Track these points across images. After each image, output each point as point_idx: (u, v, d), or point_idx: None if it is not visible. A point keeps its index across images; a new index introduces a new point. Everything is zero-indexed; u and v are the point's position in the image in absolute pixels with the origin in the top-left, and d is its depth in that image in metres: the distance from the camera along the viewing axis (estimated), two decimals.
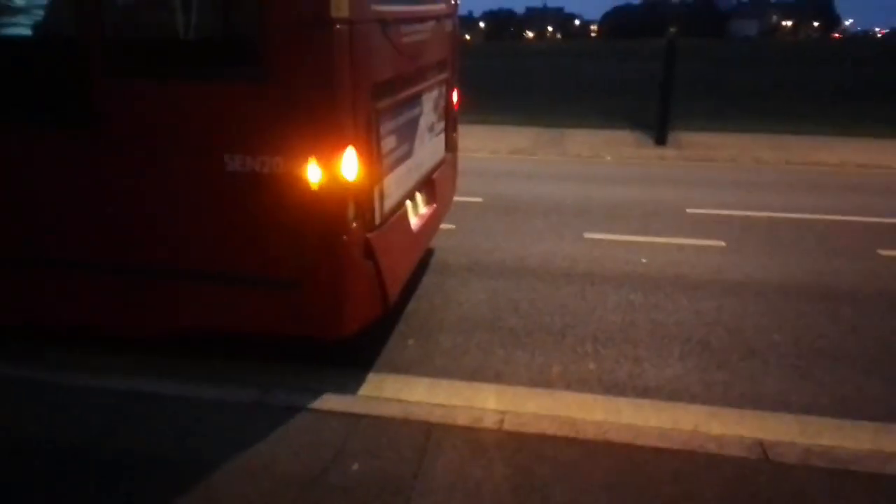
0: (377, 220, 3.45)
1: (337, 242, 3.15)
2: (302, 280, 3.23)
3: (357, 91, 3.08)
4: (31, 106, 3.30)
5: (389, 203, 3.65)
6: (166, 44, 3.21)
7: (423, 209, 4.48)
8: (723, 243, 5.99)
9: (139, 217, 3.31)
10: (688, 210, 7.02)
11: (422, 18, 4.17)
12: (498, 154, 10.24)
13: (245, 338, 3.58)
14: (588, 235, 6.18)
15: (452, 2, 4.98)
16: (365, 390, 3.56)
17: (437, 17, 4.55)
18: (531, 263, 5.49)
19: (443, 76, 4.74)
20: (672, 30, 10.86)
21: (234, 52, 3.09)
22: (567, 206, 7.20)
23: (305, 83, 2.95)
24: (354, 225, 3.20)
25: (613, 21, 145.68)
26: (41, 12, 3.46)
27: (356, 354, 3.82)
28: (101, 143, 3.21)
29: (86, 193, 3.33)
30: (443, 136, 4.92)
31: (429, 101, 4.41)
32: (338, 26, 2.89)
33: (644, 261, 5.54)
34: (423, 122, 4.30)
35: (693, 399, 3.55)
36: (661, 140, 10.86)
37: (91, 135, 3.20)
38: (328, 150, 3.01)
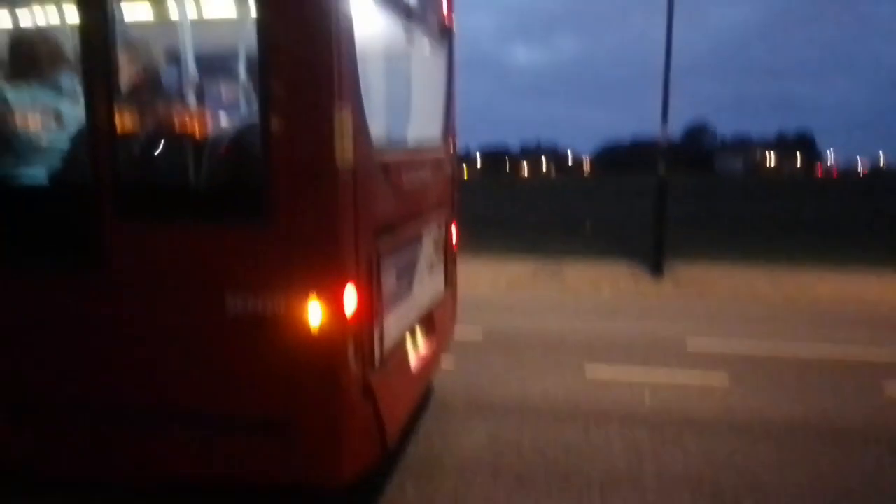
0: (377, 360, 3.42)
1: (335, 383, 3.10)
2: (298, 423, 3.15)
3: (359, 234, 3.15)
4: (44, 249, 3.36)
5: (389, 342, 3.63)
6: (175, 188, 3.32)
7: (423, 347, 4.46)
8: (726, 381, 5.90)
9: (139, 356, 3.28)
10: (689, 345, 6.99)
11: (422, 162, 4.34)
12: (497, 287, 10.33)
13: (234, 488, 3.43)
14: (590, 372, 6.10)
15: (451, 146, 5.23)
16: None
17: (437, 160, 4.75)
18: (533, 402, 5.38)
19: (442, 214, 4.88)
20: (661, 167, 11.26)
21: (241, 196, 3.19)
22: (567, 340, 7.17)
23: (309, 227, 3.02)
24: (354, 365, 3.16)
25: (604, 157, 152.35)
26: (56, 158, 3.61)
27: (351, 501, 3.65)
28: (109, 284, 3.24)
29: (89, 335, 3.32)
30: (442, 272, 4.98)
31: (429, 239, 4.51)
32: (342, 172, 2.99)
33: (647, 399, 5.44)
34: (423, 260, 4.37)
35: None
36: (657, 273, 11.01)
37: (100, 276, 3.24)
38: (329, 290, 3.03)
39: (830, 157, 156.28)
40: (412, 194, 4.09)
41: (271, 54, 2.97)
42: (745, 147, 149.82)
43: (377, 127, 3.55)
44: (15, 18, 4.01)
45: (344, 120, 2.97)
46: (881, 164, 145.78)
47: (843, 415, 5.16)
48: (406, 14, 4.06)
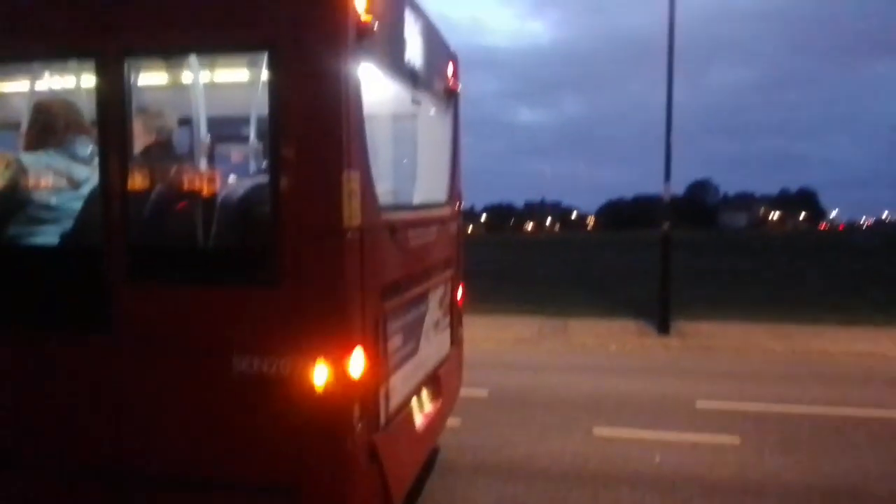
0: (382, 421, 3.37)
1: (341, 445, 3.05)
2: (302, 486, 3.08)
3: (366, 294, 3.15)
4: (53, 312, 3.37)
5: (395, 402, 3.59)
6: (185, 251, 3.34)
7: (429, 407, 4.40)
8: (737, 440, 5.79)
9: (145, 421, 3.25)
10: (697, 403, 6.88)
11: (428, 223, 4.37)
12: (503, 344, 10.26)
13: None
14: (598, 431, 6.00)
15: (457, 205, 5.28)
16: None
17: (443, 221, 4.79)
18: (540, 463, 5.27)
19: (448, 274, 4.89)
20: (665, 224, 11.31)
21: (250, 258, 3.21)
22: (574, 399, 7.07)
23: (316, 287, 3.02)
24: (359, 427, 3.12)
25: (608, 214, 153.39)
26: (67, 222, 3.66)
27: None
28: (117, 348, 3.23)
29: (96, 399, 3.30)
30: (448, 331, 4.96)
31: (435, 299, 4.51)
32: (349, 235, 3.01)
33: (657, 460, 5.33)
34: (429, 319, 4.37)
35: None
36: (663, 329, 10.92)
37: (108, 339, 3.24)
38: (336, 351, 3.01)
39: (833, 213, 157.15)
40: (418, 254, 4.11)
41: (281, 118, 3.03)
42: (748, 203, 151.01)
43: (384, 189, 3.60)
44: (34, 83, 4.12)
45: (352, 183, 3.01)
46: (885, 219, 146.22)
47: (865, 477, 5.03)
48: (413, 79, 4.17)
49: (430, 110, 4.88)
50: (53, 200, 3.61)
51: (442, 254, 4.70)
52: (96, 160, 3.37)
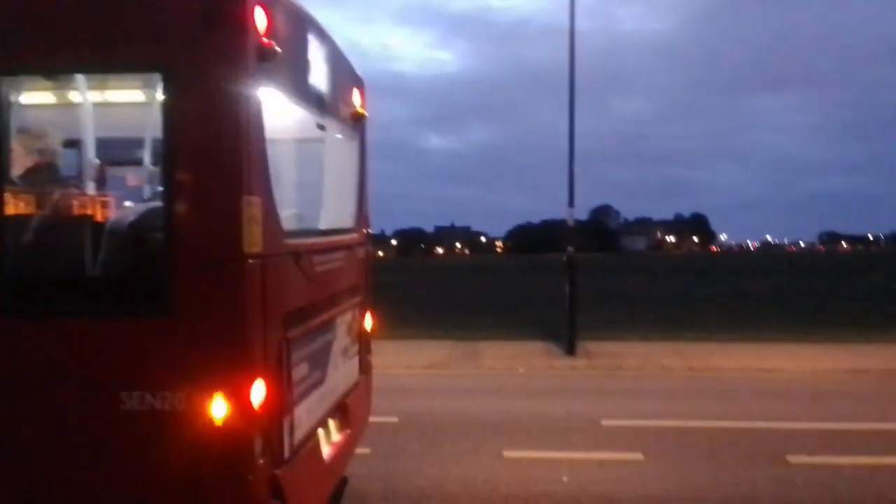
0: (286, 454, 3.24)
1: (241, 481, 2.90)
2: None
3: (268, 322, 3.03)
4: None
5: (300, 434, 3.46)
6: (68, 280, 3.14)
7: (337, 436, 4.28)
8: (640, 456, 5.98)
9: (26, 462, 2.99)
10: (603, 422, 7.06)
11: (335, 248, 4.28)
12: (413, 369, 10.21)
13: None
14: (507, 454, 6.04)
15: (364, 230, 5.23)
16: None
17: (350, 246, 4.70)
18: (451, 489, 5.24)
19: (356, 300, 4.80)
20: (570, 249, 11.66)
21: (140, 287, 3.04)
22: (484, 422, 7.11)
23: (214, 317, 2.88)
24: (261, 461, 2.97)
25: (516, 237, 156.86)
26: None
27: None
28: None
29: None
30: (356, 358, 4.87)
31: (342, 326, 4.42)
32: (250, 261, 2.90)
33: (565, 479, 5.41)
34: (336, 347, 4.26)
35: None
36: (570, 350, 11.20)
37: None
38: (235, 383, 2.87)
39: (722, 237, 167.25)
40: (324, 281, 4.01)
41: (177, 141, 2.91)
42: (646, 228, 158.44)
43: (288, 214, 3.51)
44: None
45: (252, 209, 2.89)
46: (770, 242, 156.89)
47: (755, 486, 5.29)
48: (318, 103, 4.10)
49: (337, 135, 4.82)
50: None
51: (349, 280, 4.62)
52: None
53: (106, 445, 2.95)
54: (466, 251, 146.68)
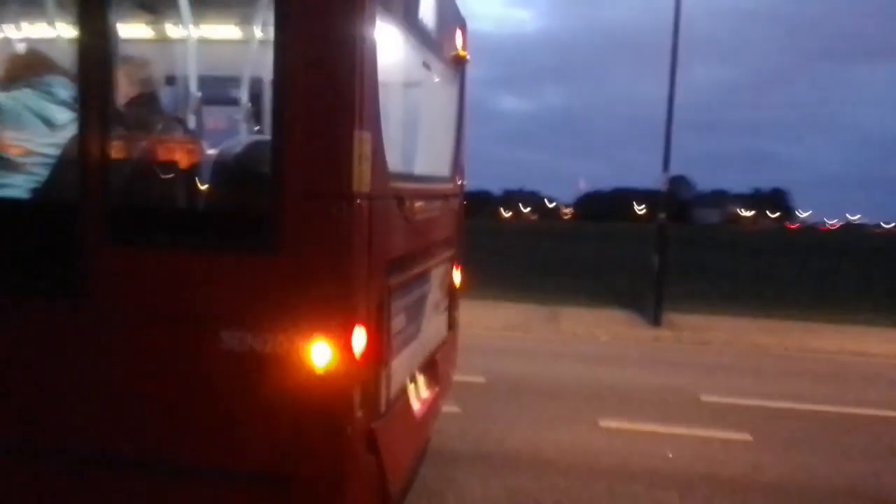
0: (382, 408, 3.05)
1: (340, 433, 2.72)
2: (294, 476, 2.76)
3: (371, 267, 2.85)
4: (21, 276, 2.98)
5: (395, 388, 3.27)
6: (170, 212, 3.01)
7: (426, 393, 4.08)
8: (748, 436, 5.58)
9: (122, 399, 2.88)
10: (701, 397, 6.67)
11: (433, 196, 4.09)
12: (492, 330, 9.98)
13: None
14: (603, 423, 5.75)
15: (459, 181, 4.97)
16: None
17: (446, 195, 4.51)
18: (548, 455, 5.00)
19: (449, 253, 4.60)
20: (662, 216, 11.13)
21: (245, 222, 2.86)
22: (574, 388, 6.82)
23: (319, 256, 2.71)
24: (360, 414, 2.79)
25: (585, 205, 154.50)
26: (41, 172, 3.26)
27: None
28: (92, 317, 2.87)
29: (68, 373, 2.93)
30: (446, 314, 4.67)
31: (436, 279, 4.22)
32: (358, 201, 2.71)
33: (670, 455, 5.09)
34: (431, 300, 4.07)
35: None
36: (656, 321, 10.75)
37: (84, 308, 2.87)
38: (338, 329, 2.69)
39: (803, 214, 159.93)
40: (423, 229, 3.82)
41: (289, 72, 2.71)
42: (721, 200, 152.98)
43: (392, 156, 3.29)
44: (11, 27, 3.74)
45: (363, 145, 2.72)
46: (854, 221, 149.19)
47: (879, 479, 4.85)
48: (425, 40, 3.84)
49: (439, 77, 4.55)
50: (28, 145, 3.19)
51: (444, 231, 4.41)
52: (77, 106, 2.95)
53: (203, 386, 2.82)
54: (533, 217, 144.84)
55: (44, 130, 3.22)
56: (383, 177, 2.98)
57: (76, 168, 2.88)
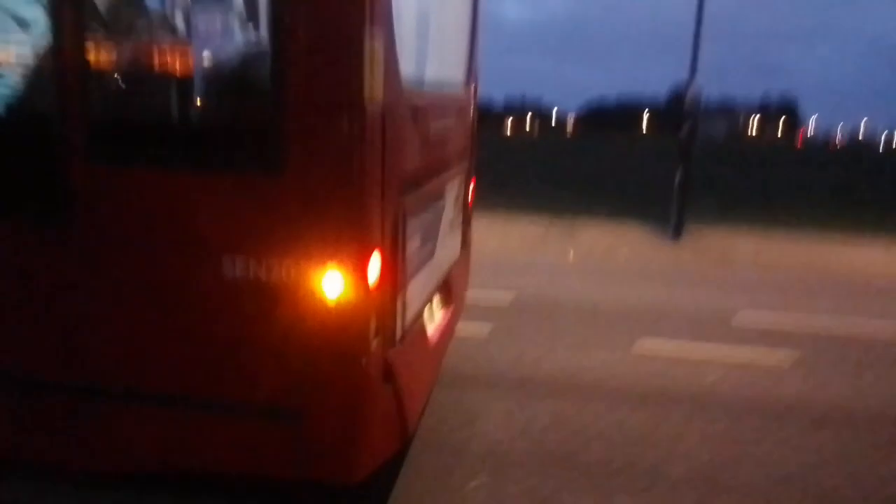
0: (398, 336, 2.85)
1: (354, 365, 2.54)
2: (307, 411, 2.60)
3: (385, 185, 2.58)
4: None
5: (411, 314, 3.06)
6: (161, 127, 2.67)
7: (439, 315, 3.88)
8: (790, 359, 5.38)
9: (118, 328, 2.67)
10: (736, 316, 6.46)
11: (447, 108, 3.78)
12: (508, 245, 9.73)
13: (235, 481, 2.83)
14: (640, 345, 5.56)
15: (474, 92, 4.56)
16: None
17: (460, 107, 4.18)
18: (587, 379, 4.83)
19: (463, 166, 4.30)
20: (687, 125, 10.65)
21: (246, 137, 2.55)
22: (602, 308, 6.62)
23: (328, 174, 2.44)
24: (375, 343, 2.59)
25: (589, 114, 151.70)
26: (13, 81, 2.86)
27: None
28: (80, 240, 2.61)
29: (52, 299, 2.69)
30: (460, 232, 4.40)
31: (451, 194, 3.93)
32: (370, 111, 2.41)
33: (710, 380, 4.91)
34: (445, 218, 3.81)
35: None
36: (676, 235, 10.47)
37: (68, 230, 2.60)
38: (351, 254, 2.46)
39: (812, 125, 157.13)
40: (438, 141, 3.52)
41: None
42: (729, 111, 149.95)
43: (406, 63, 2.90)
44: None
45: (375, 49, 2.40)
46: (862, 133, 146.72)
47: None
48: None
49: None
50: None
51: (459, 144, 4.09)
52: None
53: (208, 315, 2.60)
54: (536, 128, 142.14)
55: (14, 32, 2.78)
56: (397, 84, 2.68)
57: (51, 76, 2.54)
